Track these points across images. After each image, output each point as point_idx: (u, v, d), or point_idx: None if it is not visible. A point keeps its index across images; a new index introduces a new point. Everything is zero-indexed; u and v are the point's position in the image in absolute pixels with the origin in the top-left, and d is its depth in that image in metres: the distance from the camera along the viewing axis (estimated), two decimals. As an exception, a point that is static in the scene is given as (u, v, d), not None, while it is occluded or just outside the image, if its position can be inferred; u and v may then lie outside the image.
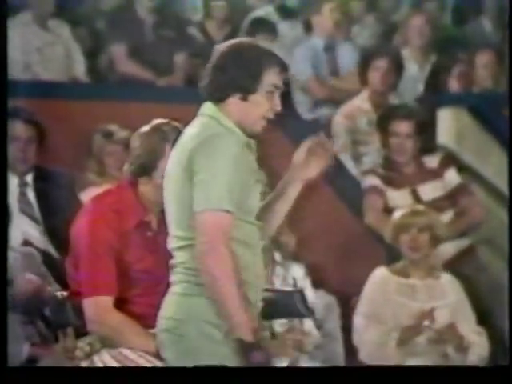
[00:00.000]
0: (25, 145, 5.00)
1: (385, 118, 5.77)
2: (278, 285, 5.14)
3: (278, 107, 3.26)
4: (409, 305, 4.97)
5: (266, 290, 4.79)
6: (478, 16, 7.65)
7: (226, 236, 3.17)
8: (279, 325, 5.07)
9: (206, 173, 3.18)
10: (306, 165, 3.33)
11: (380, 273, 5.05)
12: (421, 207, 5.25)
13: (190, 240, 3.25)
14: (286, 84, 3.31)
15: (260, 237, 3.31)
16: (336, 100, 6.46)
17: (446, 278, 5.09)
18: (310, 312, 4.91)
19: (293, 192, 3.39)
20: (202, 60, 6.76)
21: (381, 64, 6.23)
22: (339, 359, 5.44)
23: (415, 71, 6.68)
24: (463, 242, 5.69)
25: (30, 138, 5.02)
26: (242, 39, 3.34)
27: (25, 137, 5.00)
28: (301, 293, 4.79)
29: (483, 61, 6.58)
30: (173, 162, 3.32)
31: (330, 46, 6.73)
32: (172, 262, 3.37)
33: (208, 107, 3.29)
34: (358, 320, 5.03)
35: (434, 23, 6.88)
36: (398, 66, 6.30)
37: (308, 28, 6.90)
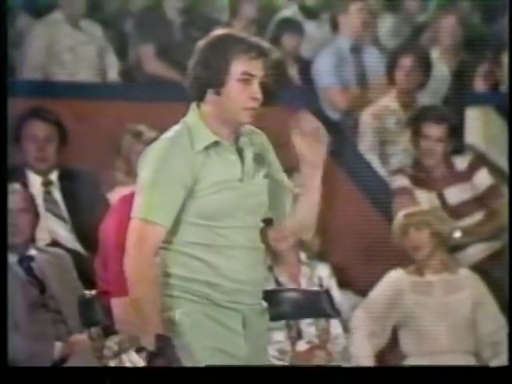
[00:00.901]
0: (43, 144, 5.04)
1: (416, 119, 5.78)
2: (304, 285, 5.15)
3: (257, 95, 3.10)
4: (425, 301, 4.99)
5: (293, 289, 4.88)
6: (505, 14, 7.63)
7: (148, 246, 3.09)
8: (306, 325, 5.08)
9: (143, 180, 3.12)
10: (309, 149, 3.19)
11: (395, 274, 5.08)
12: (419, 207, 5.28)
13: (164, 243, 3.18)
14: (275, 68, 3.18)
15: (242, 240, 3.16)
16: (359, 109, 6.44)
17: (464, 273, 5.10)
18: (336, 312, 4.94)
19: (314, 181, 3.27)
20: (230, 60, 6.81)
21: (407, 62, 6.23)
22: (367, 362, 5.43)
23: (445, 71, 6.66)
24: (494, 244, 5.68)
25: (49, 137, 5.07)
26: (217, 31, 3.23)
27: (43, 136, 5.05)
28: (327, 293, 4.82)
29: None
30: None
31: (356, 47, 6.73)
32: None
33: (190, 112, 3.20)
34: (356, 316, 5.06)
35: (464, 23, 6.86)
36: (425, 65, 6.29)
37: (335, 28, 6.89)
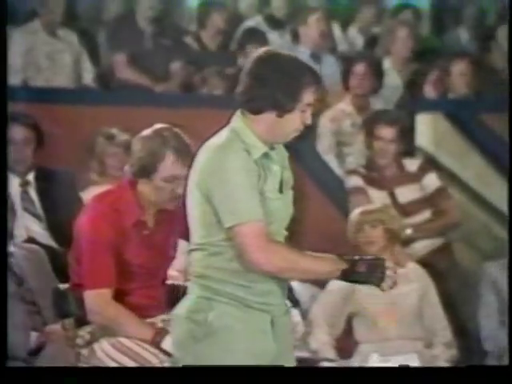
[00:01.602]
0: (22, 146, 5.02)
1: (370, 122, 5.79)
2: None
3: (309, 121, 3.08)
4: (375, 293, 4.99)
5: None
6: (455, 26, 7.66)
7: (267, 238, 2.99)
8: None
9: (222, 191, 3.01)
10: None
11: None
12: (373, 206, 5.28)
13: (202, 245, 3.10)
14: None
15: None
16: (317, 113, 6.43)
17: (412, 266, 5.12)
18: (295, 302, 4.94)
19: None
20: (197, 67, 6.79)
21: (360, 69, 6.26)
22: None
23: (396, 79, 6.69)
24: (439, 241, 5.71)
25: (28, 140, 5.05)
26: (277, 50, 3.12)
27: (22, 139, 5.02)
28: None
29: (459, 69, 6.59)
30: (190, 176, 3.15)
31: (315, 55, 6.73)
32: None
33: (236, 119, 3.08)
34: (313, 309, 5.08)
35: (415, 34, 6.88)
36: (377, 72, 6.32)
37: (295, 38, 6.89)
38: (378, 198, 5.61)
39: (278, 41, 7.25)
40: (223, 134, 3.06)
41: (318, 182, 6.07)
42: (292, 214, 3.17)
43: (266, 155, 3.07)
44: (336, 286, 5.05)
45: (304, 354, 5.00)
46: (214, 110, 6.42)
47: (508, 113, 5.78)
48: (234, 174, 3.00)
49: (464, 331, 5.29)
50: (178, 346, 3.11)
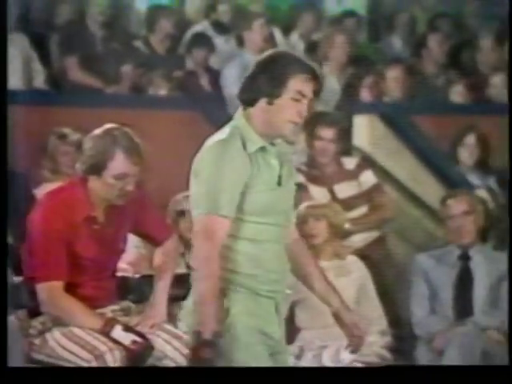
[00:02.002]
0: None
1: (311, 123, 5.84)
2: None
3: (304, 113, 3.08)
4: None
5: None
6: (389, 34, 7.75)
7: (218, 239, 3.02)
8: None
9: (204, 178, 3.03)
10: None
11: None
12: (318, 201, 5.34)
13: None
14: (317, 93, 3.10)
15: (275, 235, 3.12)
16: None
17: (351, 259, 5.18)
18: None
19: None
20: (146, 70, 6.78)
21: None
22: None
23: (335, 83, 6.76)
24: (375, 234, 5.79)
25: None
26: (277, 49, 3.20)
27: None
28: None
29: (393, 74, 6.68)
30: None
31: (259, 59, 6.75)
32: None
33: (237, 115, 3.11)
34: None
35: (352, 41, 6.95)
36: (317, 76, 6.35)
37: (240, 42, 6.92)
38: (319, 193, 5.67)
39: (223, 45, 7.28)
40: (225, 130, 3.09)
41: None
42: (293, 205, 3.19)
43: (263, 149, 3.08)
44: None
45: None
46: (162, 111, 6.45)
47: (508, 113, 5.84)
48: (217, 165, 3.01)
49: (397, 319, 5.38)
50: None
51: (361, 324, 3.28)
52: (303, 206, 5.18)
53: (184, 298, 3.23)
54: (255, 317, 3.08)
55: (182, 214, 4.82)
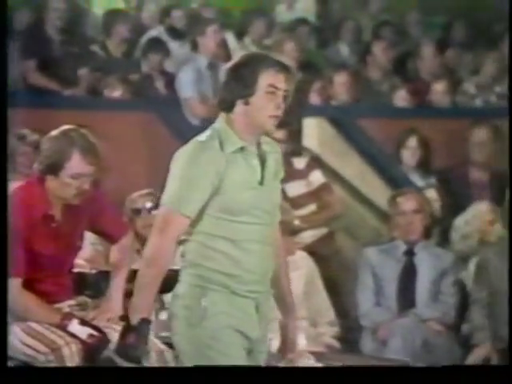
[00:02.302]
0: None
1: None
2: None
3: (282, 105, 3.07)
4: None
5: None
6: (337, 41, 7.81)
7: (172, 234, 2.99)
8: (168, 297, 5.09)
9: (175, 174, 3.04)
10: None
11: None
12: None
13: (187, 235, 3.10)
14: (291, 84, 3.09)
15: (258, 235, 3.10)
16: (215, 116, 6.46)
17: (300, 254, 5.22)
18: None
19: None
20: (103, 73, 6.76)
21: None
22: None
23: (284, 87, 6.80)
24: (323, 230, 5.84)
25: None
26: (244, 52, 3.23)
27: None
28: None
29: (340, 79, 6.75)
30: None
31: (212, 64, 6.78)
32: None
33: (218, 119, 3.14)
34: None
35: (302, 47, 6.99)
36: None
37: (194, 47, 6.93)
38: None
39: (178, 49, 7.29)
40: (205, 132, 3.11)
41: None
42: (278, 204, 3.17)
43: (243, 150, 3.08)
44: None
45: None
46: (118, 113, 6.43)
47: (508, 113, 5.90)
48: (188, 164, 3.02)
49: (345, 310, 5.44)
50: (175, 332, 3.08)
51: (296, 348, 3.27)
52: None
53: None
54: (232, 316, 3.07)
55: (137, 212, 4.82)
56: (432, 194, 5.78)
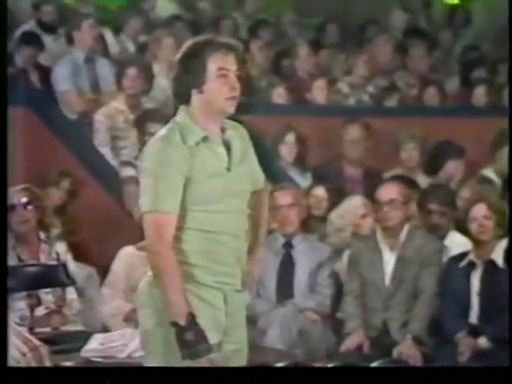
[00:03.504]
0: None
1: (141, 119, 5.98)
2: (43, 259, 5.16)
3: (236, 85, 3.10)
4: None
5: (33, 264, 4.88)
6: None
7: (166, 234, 3.04)
8: (45, 293, 5.09)
9: (145, 176, 3.07)
10: None
11: (126, 250, 5.19)
12: None
13: None
14: (242, 61, 3.13)
15: (228, 225, 3.14)
16: (93, 110, 6.54)
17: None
18: (71, 281, 4.98)
19: None
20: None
21: (131, 71, 6.41)
22: (97, 323, 5.51)
23: (164, 82, 6.92)
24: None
25: None
26: (188, 42, 3.20)
27: None
28: (63, 265, 4.88)
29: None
30: None
31: (89, 58, 6.81)
32: None
33: (179, 112, 3.15)
34: (102, 289, 5.19)
35: (180, 43, 7.09)
36: (146, 74, 6.52)
37: (70, 41, 6.94)
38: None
39: (52, 43, 7.28)
40: (166, 127, 3.12)
41: (95, 173, 6.17)
42: (249, 190, 3.20)
43: (206, 139, 3.10)
44: (117, 265, 5.17)
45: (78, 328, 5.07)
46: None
47: (508, 113, 6.05)
48: (155, 162, 3.03)
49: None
50: (141, 320, 3.11)
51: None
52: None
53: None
54: (202, 312, 3.09)
55: (13, 207, 4.83)
56: (321, 191, 5.97)
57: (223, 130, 3.19)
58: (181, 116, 3.15)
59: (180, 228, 3.10)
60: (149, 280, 3.15)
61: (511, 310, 4.76)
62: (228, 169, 3.14)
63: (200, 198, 3.09)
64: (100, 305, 5.21)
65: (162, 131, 3.14)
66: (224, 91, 3.11)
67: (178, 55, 3.19)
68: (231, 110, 3.14)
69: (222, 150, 3.15)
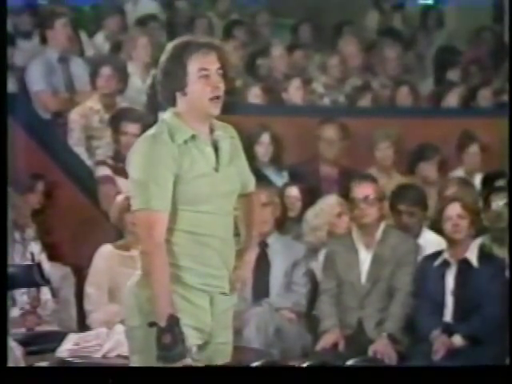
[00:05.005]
0: None
1: (117, 118, 6.00)
2: (17, 260, 5.16)
3: (219, 84, 3.12)
4: (130, 273, 5.16)
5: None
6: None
7: (158, 232, 3.06)
8: (20, 294, 5.10)
9: (135, 175, 3.09)
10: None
11: (105, 248, 5.20)
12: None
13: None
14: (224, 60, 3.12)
15: (216, 227, 3.15)
16: (68, 110, 6.54)
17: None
18: (46, 281, 4.98)
19: None
20: None
21: (106, 71, 6.43)
22: (72, 323, 5.53)
23: (139, 82, 6.93)
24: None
25: None
26: (169, 45, 3.20)
27: None
28: (38, 266, 4.88)
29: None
30: None
31: (63, 58, 6.81)
32: None
33: (167, 111, 3.19)
34: (87, 288, 5.21)
35: (155, 42, 7.14)
36: (121, 73, 6.54)
37: (43, 41, 6.93)
38: (125, 186, 5.81)
39: (25, 43, 7.27)
40: (155, 126, 3.14)
41: (70, 173, 6.17)
42: (237, 191, 3.20)
43: (194, 138, 3.12)
44: (97, 264, 5.18)
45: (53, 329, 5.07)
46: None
47: (508, 113, 6.09)
48: (145, 160, 3.06)
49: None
50: (128, 320, 3.13)
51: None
52: (120, 197, 5.29)
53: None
54: (188, 313, 3.11)
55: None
56: (294, 192, 6.02)
57: (212, 131, 3.21)
58: (168, 115, 3.18)
59: (170, 229, 3.11)
60: (137, 279, 3.18)
61: (511, 307, 4.78)
62: (216, 169, 3.16)
63: (189, 197, 3.11)
64: (88, 305, 5.17)
65: (150, 130, 3.16)
66: (207, 92, 3.13)
67: (160, 61, 3.21)
68: (215, 111, 3.16)
69: (209, 150, 3.17)
